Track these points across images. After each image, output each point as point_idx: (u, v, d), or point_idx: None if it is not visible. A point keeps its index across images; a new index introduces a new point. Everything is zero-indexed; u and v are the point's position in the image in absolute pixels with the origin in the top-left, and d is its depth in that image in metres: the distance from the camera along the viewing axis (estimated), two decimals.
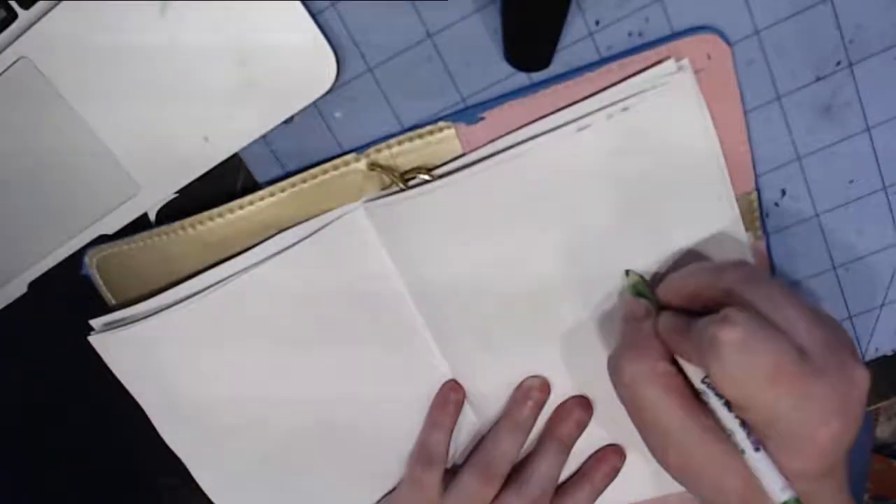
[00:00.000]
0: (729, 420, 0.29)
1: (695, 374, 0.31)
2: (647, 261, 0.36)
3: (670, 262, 0.35)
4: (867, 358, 0.40)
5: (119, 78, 0.34)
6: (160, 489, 0.45)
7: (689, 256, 0.35)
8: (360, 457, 0.41)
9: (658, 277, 0.35)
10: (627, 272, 0.36)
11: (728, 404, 0.29)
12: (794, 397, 0.27)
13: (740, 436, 0.29)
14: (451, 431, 0.40)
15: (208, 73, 0.34)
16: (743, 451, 0.28)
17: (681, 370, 0.31)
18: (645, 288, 0.35)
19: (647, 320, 0.33)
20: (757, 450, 0.28)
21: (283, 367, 0.39)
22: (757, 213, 0.36)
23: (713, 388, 0.30)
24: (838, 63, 0.34)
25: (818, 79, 0.34)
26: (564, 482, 0.40)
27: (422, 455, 0.40)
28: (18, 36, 0.33)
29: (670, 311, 0.33)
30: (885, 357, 0.40)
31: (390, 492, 0.42)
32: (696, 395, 0.31)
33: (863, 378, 0.28)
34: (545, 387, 0.39)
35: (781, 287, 0.30)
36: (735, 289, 0.30)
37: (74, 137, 0.35)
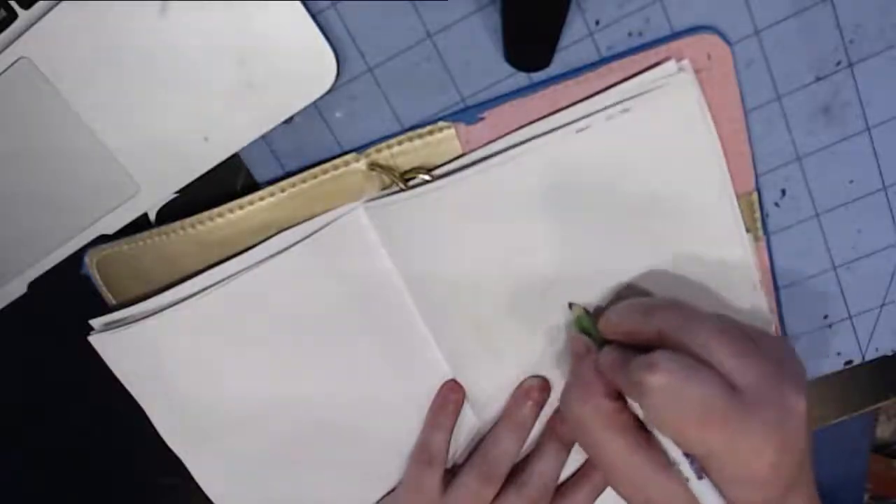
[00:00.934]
0: (672, 451, 0.30)
1: (638, 408, 0.31)
2: (648, 261, 0.36)
3: (671, 262, 0.35)
4: (867, 358, 0.40)
5: (119, 78, 0.34)
6: (160, 489, 0.45)
7: (689, 257, 0.35)
8: (360, 457, 0.41)
9: (611, 302, 0.36)
10: (571, 305, 0.36)
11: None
12: (725, 435, 0.28)
13: (684, 466, 0.29)
14: (451, 431, 0.40)
15: (208, 73, 0.34)
16: (688, 480, 0.29)
17: (625, 405, 0.32)
18: (588, 322, 0.35)
19: (589, 357, 0.34)
20: (700, 478, 0.29)
21: (283, 367, 0.39)
22: (757, 213, 0.36)
23: None
24: (838, 63, 0.34)
25: (818, 79, 0.34)
26: (564, 482, 0.40)
27: (422, 455, 0.40)
28: (18, 36, 0.33)
29: (612, 346, 0.33)
30: (885, 357, 0.40)
31: (390, 492, 0.42)
32: (645, 427, 0.31)
33: (799, 406, 0.29)
34: (545, 387, 0.39)
35: (712, 325, 0.30)
36: (664, 328, 0.30)
37: (74, 137, 0.35)
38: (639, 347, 0.31)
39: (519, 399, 0.39)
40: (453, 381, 0.40)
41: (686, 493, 0.30)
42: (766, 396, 0.28)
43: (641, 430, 0.31)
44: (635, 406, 0.31)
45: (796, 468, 0.29)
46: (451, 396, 0.40)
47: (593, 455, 0.32)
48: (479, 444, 0.40)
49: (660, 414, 0.29)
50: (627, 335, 0.33)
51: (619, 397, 0.32)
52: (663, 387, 0.28)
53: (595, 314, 0.35)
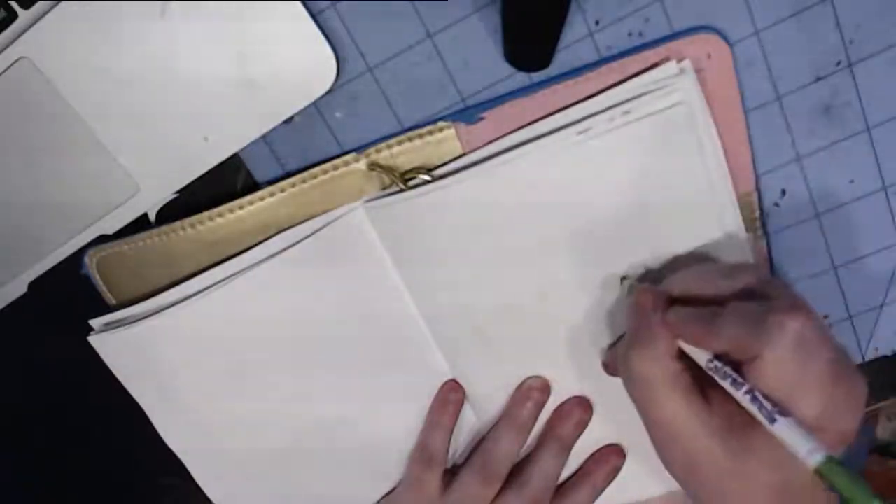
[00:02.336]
0: (743, 399, 0.28)
1: (701, 356, 0.30)
2: (648, 261, 0.35)
3: (671, 262, 0.35)
4: (867, 358, 0.40)
5: (119, 78, 0.34)
6: (160, 489, 0.45)
7: (690, 257, 0.35)
8: (360, 457, 0.41)
9: (651, 279, 0.35)
10: (622, 279, 0.36)
11: (736, 383, 0.28)
12: (840, 404, 0.27)
13: (759, 409, 0.27)
14: (451, 431, 0.40)
15: (208, 73, 0.34)
16: (773, 420, 0.27)
17: (687, 367, 0.31)
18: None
19: (657, 313, 0.32)
20: (773, 421, 0.27)
21: (283, 367, 0.39)
22: (757, 213, 0.36)
23: (724, 368, 0.29)
24: (838, 63, 0.34)
25: (818, 79, 0.34)
26: (564, 482, 0.40)
27: (422, 455, 0.40)
28: (18, 36, 0.33)
29: (682, 305, 0.32)
30: (885, 357, 0.40)
31: (390, 492, 0.42)
32: (704, 392, 0.30)
33: (864, 383, 0.28)
34: (545, 387, 0.39)
35: (792, 289, 0.30)
36: (752, 288, 0.29)
37: (74, 137, 0.35)
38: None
39: (519, 399, 0.39)
40: (453, 381, 0.40)
41: (741, 469, 0.29)
42: (853, 367, 0.28)
43: (701, 395, 0.30)
44: (697, 356, 0.30)
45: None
46: (451, 396, 0.40)
47: (652, 416, 0.31)
48: (479, 444, 0.40)
49: (787, 363, 0.27)
50: (692, 301, 0.31)
51: (682, 358, 0.31)
52: (803, 334, 0.27)
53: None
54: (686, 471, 0.31)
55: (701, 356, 0.30)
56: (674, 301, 0.32)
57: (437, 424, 0.40)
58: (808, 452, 0.26)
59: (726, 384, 0.29)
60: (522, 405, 0.39)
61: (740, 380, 0.28)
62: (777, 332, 0.27)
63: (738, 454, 0.29)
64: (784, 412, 0.27)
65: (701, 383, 0.30)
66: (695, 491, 0.31)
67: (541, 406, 0.39)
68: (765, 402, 0.27)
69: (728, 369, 0.29)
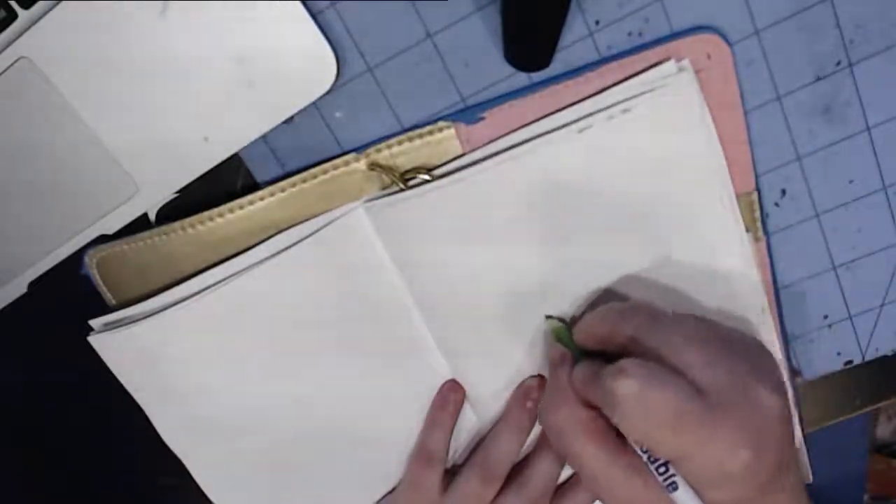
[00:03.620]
0: (647, 461, 0.30)
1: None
2: (647, 261, 0.36)
3: (670, 262, 0.35)
4: (867, 358, 0.40)
5: (119, 78, 0.34)
6: (160, 489, 0.45)
7: (689, 257, 0.35)
8: (360, 457, 0.41)
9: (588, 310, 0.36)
10: (548, 317, 0.36)
11: (638, 449, 0.30)
12: (697, 437, 0.28)
13: (659, 476, 0.30)
14: (451, 431, 0.40)
15: (208, 73, 0.34)
16: (666, 486, 0.29)
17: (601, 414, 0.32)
18: (565, 334, 0.35)
19: (564, 367, 0.34)
20: (675, 489, 0.29)
21: (283, 367, 0.39)
22: (757, 213, 0.36)
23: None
24: (838, 63, 0.34)
25: (818, 79, 0.34)
26: (564, 482, 0.40)
27: (422, 455, 0.40)
28: (18, 36, 0.33)
29: (586, 361, 0.33)
30: (885, 357, 0.40)
31: (390, 492, 0.42)
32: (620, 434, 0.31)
33: (772, 404, 0.29)
34: (545, 387, 0.39)
35: (683, 328, 0.31)
36: (636, 334, 0.31)
37: (74, 137, 0.35)
38: (614, 358, 0.31)
39: (519, 399, 0.39)
40: (453, 381, 0.40)
41: (665, 498, 0.30)
42: (737, 398, 0.29)
43: (619, 438, 0.31)
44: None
45: (774, 468, 0.29)
46: (451, 396, 0.40)
47: (572, 464, 0.33)
48: (479, 444, 0.40)
49: (630, 420, 0.29)
50: (603, 341, 0.33)
51: (595, 406, 0.32)
52: (632, 394, 0.29)
53: (573, 324, 0.36)
54: None
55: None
56: (587, 352, 0.34)
57: (437, 424, 0.40)
58: None
59: (634, 447, 0.31)
60: (522, 405, 0.39)
61: (640, 449, 0.30)
62: (611, 397, 0.29)
63: (659, 487, 0.30)
64: (683, 482, 0.29)
65: None
66: None
67: None
68: (669, 469, 0.29)
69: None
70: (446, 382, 0.40)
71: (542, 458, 0.39)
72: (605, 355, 0.33)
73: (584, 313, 0.36)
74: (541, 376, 0.39)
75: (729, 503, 0.29)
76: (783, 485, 0.30)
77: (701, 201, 0.34)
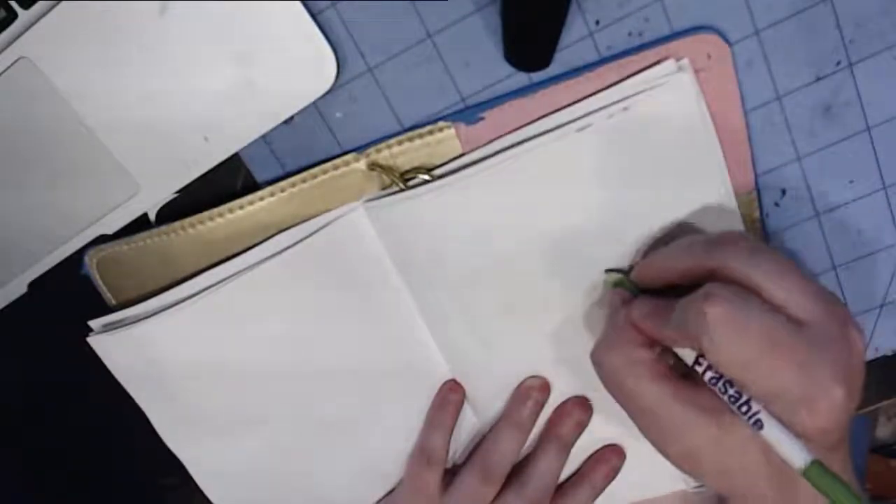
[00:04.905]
0: (727, 398, 0.28)
1: (687, 356, 0.30)
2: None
3: None
4: (867, 358, 0.40)
5: (119, 78, 0.34)
6: (160, 489, 0.45)
7: None
8: (360, 457, 0.41)
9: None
10: (607, 271, 0.35)
11: (727, 383, 0.28)
12: (792, 367, 0.26)
13: (742, 414, 0.27)
14: (451, 431, 0.40)
15: (208, 73, 0.34)
16: (750, 419, 0.27)
17: (662, 355, 0.31)
18: (625, 281, 0.34)
19: (623, 309, 0.32)
20: (761, 427, 0.27)
21: (283, 367, 0.39)
22: (757, 213, 0.36)
23: (710, 368, 0.29)
24: (838, 63, 0.34)
25: (818, 79, 0.34)
26: (564, 482, 0.40)
27: (422, 455, 0.40)
28: (18, 36, 0.33)
29: (645, 298, 0.32)
30: (885, 357, 0.40)
31: (390, 492, 0.42)
32: (687, 377, 0.30)
33: (861, 347, 0.27)
34: (545, 387, 0.39)
35: (778, 259, 0.29)
36: (729, 264, 0.28)
37: (74, 137, 0.35)
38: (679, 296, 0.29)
39: (519, 399, 0.39)
40: (453, 381, 0.40)
41: (738, 445, 0.28)
42: (833, 332, 0.27)
43: (680, 379, 0.30)
44: (683, 356, 0.30)
45: (851, 415, 0.27)
46: (451, 396, 0.40)
47: (633, 408, 0.31)
48: (479, 444, 0.40)
49: (722, 346, 0.26)
50: (679, 275, 0.31)
51: (654, 347, 0.31)
52: (724, 315, 0.26)
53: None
54: (684, 456, 0.30)
55: (687, 356, 0.30)
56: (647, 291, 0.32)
57: (437, 424, 0.40)
58: (795, 457, 0.26)
59: (714, 387, 0.28)
60: (522, 405, 0.39)
61: (722, 384, 0.28)
62: (701, 322, 0.27)
63: (734, 431, 0.28)
64: (770, 417, 0.27)
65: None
66: (695, 471, 0.30)
67: (541, 406, 0.39)
68: (752, 407, 0.27)
69: (712, 371, 0.28)
70: (446, 382, 0.40)
71: (543, 458, 0.39)
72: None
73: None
74: (541, 376, 0.39)
75: (812, 445, 0.26)
76: (845, 442, 0.28)
77: (700, 201, 0.34)
